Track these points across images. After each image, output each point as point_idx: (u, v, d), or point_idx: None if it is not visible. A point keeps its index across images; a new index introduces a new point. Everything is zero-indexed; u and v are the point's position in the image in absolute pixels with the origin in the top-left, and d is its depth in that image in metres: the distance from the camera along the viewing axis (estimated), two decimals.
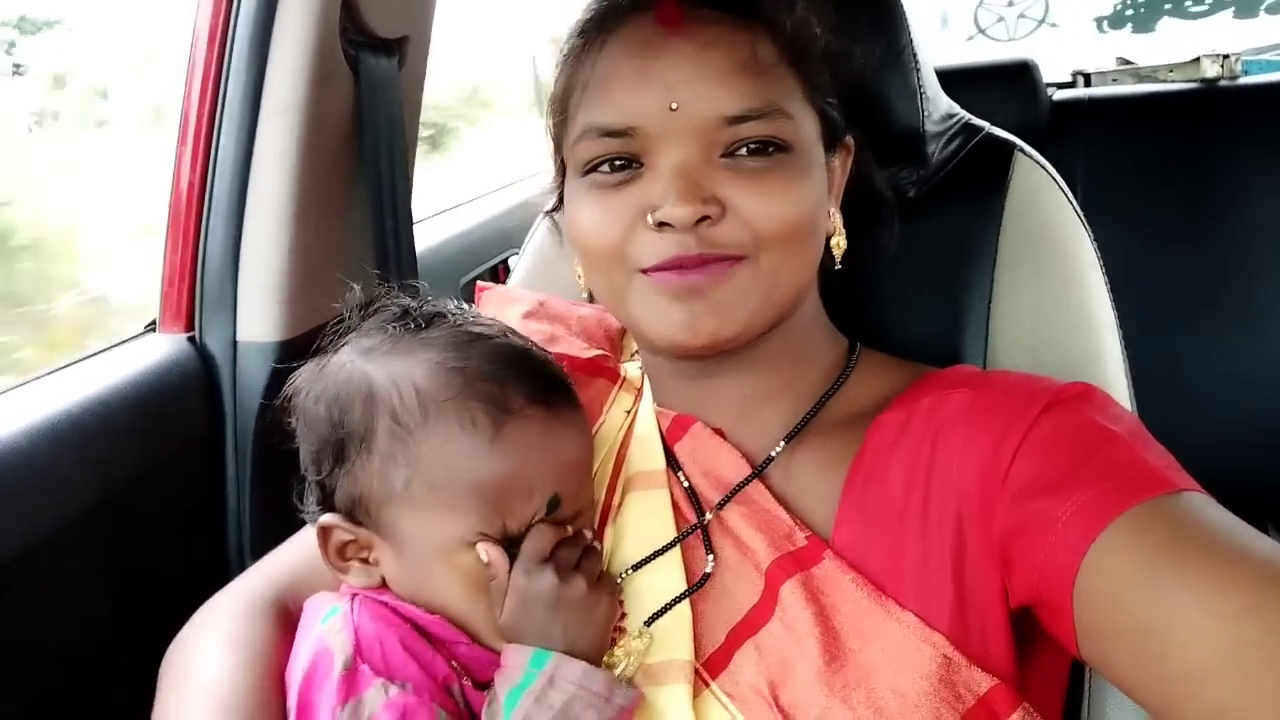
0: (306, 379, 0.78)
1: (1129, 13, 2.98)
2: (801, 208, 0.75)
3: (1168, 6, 2.93)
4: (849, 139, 0.86)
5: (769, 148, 0.74)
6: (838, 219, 0.85)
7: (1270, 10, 2.81)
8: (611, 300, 0.81)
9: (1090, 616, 0.63)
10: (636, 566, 0.78)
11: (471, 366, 0.73)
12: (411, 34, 1.25)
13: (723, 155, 0.74)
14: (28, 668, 0.95)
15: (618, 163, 0.76)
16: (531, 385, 0.74)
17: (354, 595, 0.75)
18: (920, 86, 1.04)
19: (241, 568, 1.10)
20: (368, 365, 0.75)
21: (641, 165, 0.75)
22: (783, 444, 0.80)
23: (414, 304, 0.79)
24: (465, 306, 0.82)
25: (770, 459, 0.80)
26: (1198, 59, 2.22)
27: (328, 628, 0.72)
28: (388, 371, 0.74)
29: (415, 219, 1.39)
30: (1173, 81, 2.29)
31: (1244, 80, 2.22)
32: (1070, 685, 0.84)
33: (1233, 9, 2.87)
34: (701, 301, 0.74)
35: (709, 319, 0.74)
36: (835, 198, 0.85)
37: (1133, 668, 0.61)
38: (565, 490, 0.74)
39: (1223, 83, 2.21)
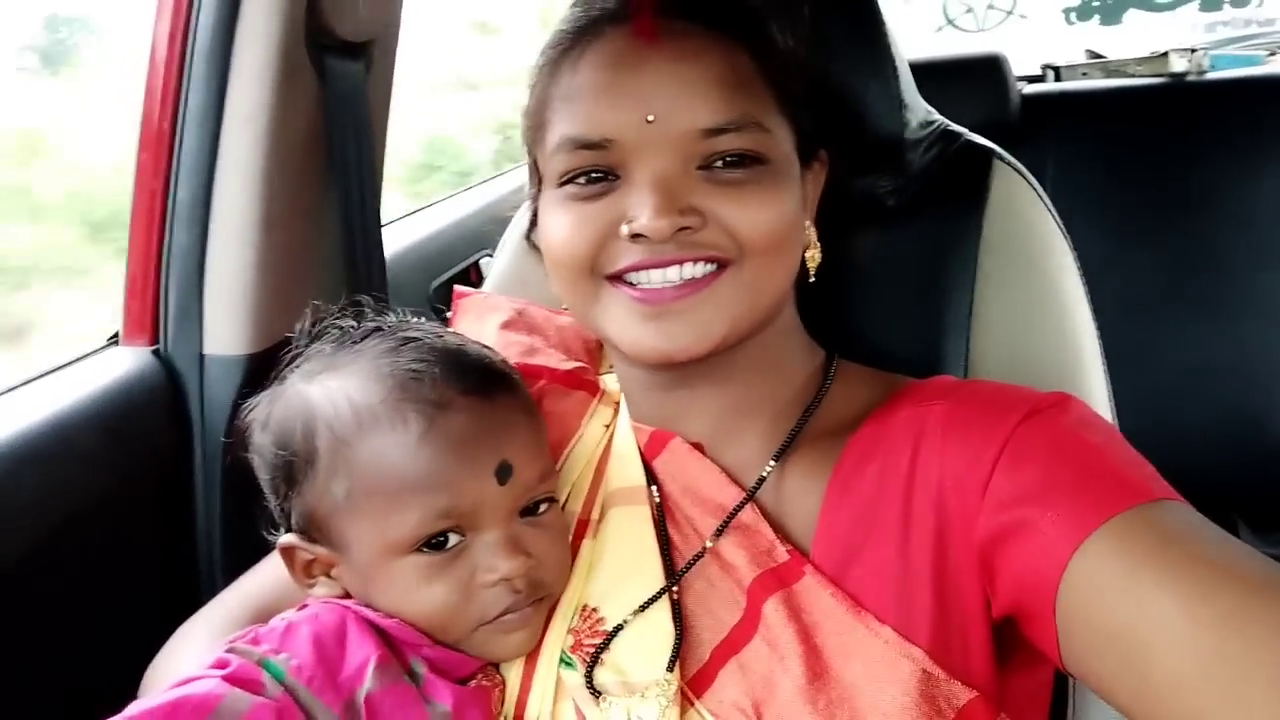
0: (258, 410, 0.79)
1: (1096, 4, 3.00)
2: (781, 218, 0.75)
3: None
4: (823, 153, 0.85)
5: (746, 160, 0.74)
6: (812, 232, 0.84)
7: (1235, 3, 2.83)
8: (579, 310, 0.80)
9: (1072, 625, 0.63)
10: (642, 608, 0.77)
11: (401, 368, 0.74)
12: (378, 37, 1.22)
13: (699, 167, 0.74)
14: None
15: (594, 175, 0.75)
16: (463, 378, 0.74)
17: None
18: (900, 94, 1.04)
19: (213, 584, 1.09)
20: (307, 387, 0.76)
21: (618, 178, 0.75)
22: (772, 464, 0.80)
23: (353, 323, 0.81)
24: (410, 318, 0.83)
25: (761, 480, 0.79)
26: (1166, 54, 2.24)
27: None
28: (323, 390, 0.75)
29: (383, 221, 1.37)
30: (1141, 76, 2.30)
31: (1211, 75, 2.24)
32: (1055, 702, 0.84)
33: (1198, 1, 2.90)
34: (674, 318, 0.74)
35: (683, 333, 0.74)
36: (809, 210, 0.85)
37: (1115, 676, 0.61)
38: (514, 457, 0.74)
39: (1190, 77, 2.23)
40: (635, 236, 0.73)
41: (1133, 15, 2.99)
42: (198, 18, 1.09)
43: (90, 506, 1.03)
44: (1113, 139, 2.19)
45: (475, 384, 0.75)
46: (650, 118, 0.72)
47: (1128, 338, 2.10)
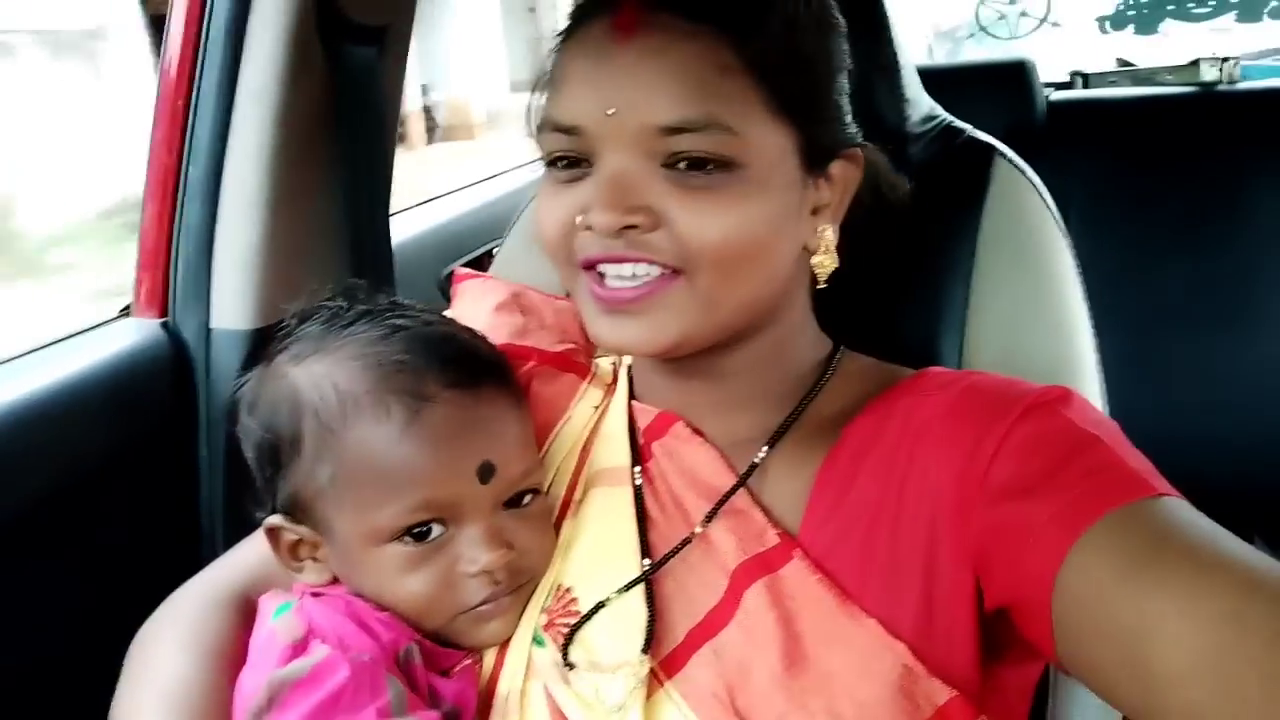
0: (246, 391, 0.80)
1: (1131, 13, 2.96)
2: (742, 229, 0.72)
3: (1170, 8, 2.91)
4: (855, 152, 0.80)
5: (708, 164, 0.71)
6: (829, 236, 0.79)
7: (1274, 14, 2.79)
8: (569, 291, 0.81)
9: (1069, 619, 0.63)
10: (624, 588, 0.76)
11: (388, 358, 0.74)
12: (393, 22, 1.24)
13: (664, 165, 0.72)
14: None
15: (571, 159, 0.75)
16: (449, 370, 0.74)
17: (306, 592, 0.76)
18: (901, 88, 1.04)
19: (213, 555, 1.10)
20: (294, 370, 0.76)
21: (591, 165, 0.74)
22: (766, 449, 0.80)
23: (344, 304, 0.80)
24: (401, 301, 0.82)
25: (754, 466, 0.79)
26: (1196, 62, 2.21)
27: (279, 622, 0.73)
28: (309, 374, 0.75)
29: (396, 208, 1.39)
30: (1171, 84, 2.28)
31: (1243, 85, 2.21)
32: (1034, 701, 0.83)
33: (1236, 12, 2.86)
34: (629, 318, 0.74)
35: (636, 333, 0.74)
36: (831, 214, 0.80)
37: (1111, 670, 0.61)
38: (497, 456, 0.74)
39: (1221, 87, 2.20)
40: (587, 228, 0.73)
41: (1169, 25, 2.96)
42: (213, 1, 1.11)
43: (96, 471, 1.06)
44: (1140, 147, 2.17)
45: (461, 376, 0.75)
46: (610, 111, 0.71)
47: (1151, 347, 2.08)
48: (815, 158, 0.77)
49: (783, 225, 0.76)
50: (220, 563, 0.89)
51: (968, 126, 1.09)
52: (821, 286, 0.82)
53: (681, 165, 0.71)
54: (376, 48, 1.21)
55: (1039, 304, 0.98)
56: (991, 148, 1.04)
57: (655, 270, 0.73)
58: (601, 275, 0.74)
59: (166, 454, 1.16)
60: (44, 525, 1.00)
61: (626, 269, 0.73)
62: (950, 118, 1.10)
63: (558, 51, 0.78)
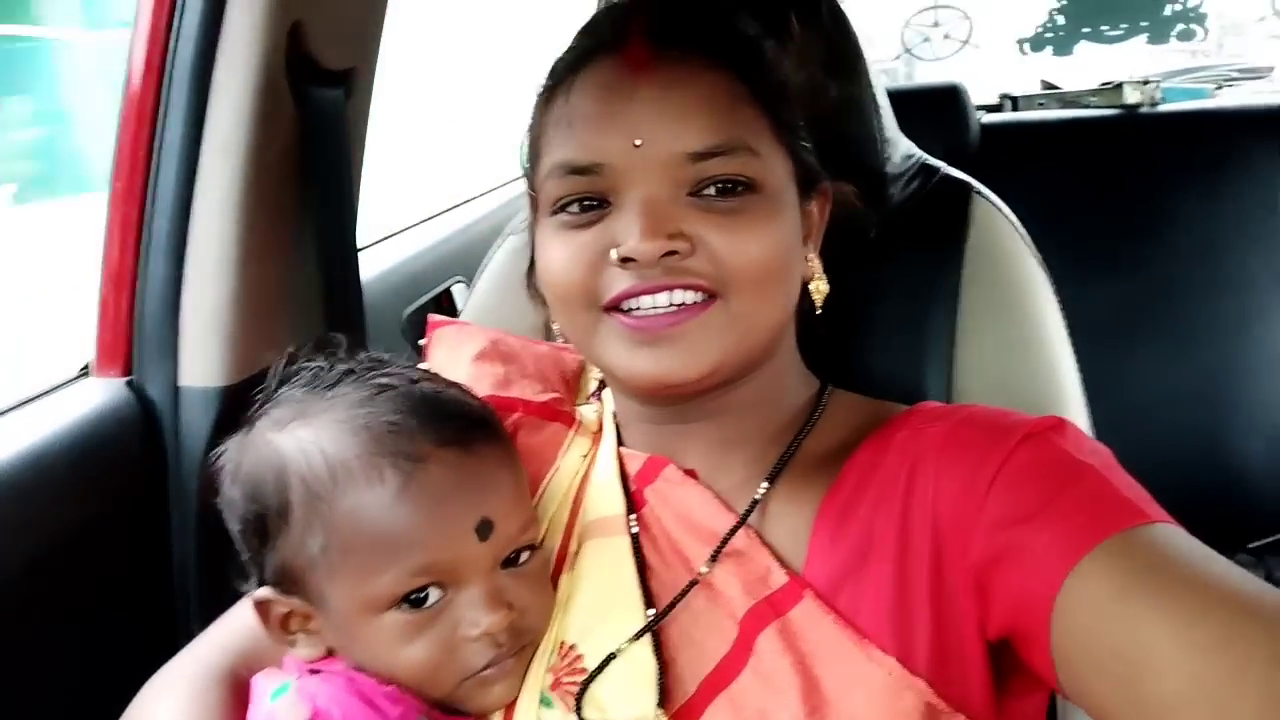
0: (227, 460, 0.76)
1: (1049, 35, 3.09)
2: (772, 248, 0.75)
3: (1085, 31, 3.04)
4: (826, 185, 0.85)
5: (737, 187, 0.74)
6: (817, 263, 0.85)
7: (1181, 37, 2.94)
8: (579, 341, 0.80)
9: (1067, 646, 0.64)
10: (632, 639, 0.75)
11: (376, 421, 0.72)
12: (359, 65, 1.21)
13: (690, 194, 0.74)
14: None
15: (586, 202, 0.76)
16: (440, 429, 0.73)
17: (304, 669, 0.73)
18: (882, 129, 1.05)
19: (188, 624, 1.05)
20: (278, 437, 0.73)
21: (609, 204, 0.75)
22: (766, 485, 0.80)
23: (324, 365, 0.78)
24: (382, 358, 0.80)
25: (755, 503, 0.79)
26: (1120, 85, 2.29)
27: (279, 705, 0.70)
28: (295, 441, 0.73)
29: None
30: (1096, 106, 2.36)
31: (1163, 107, 2.30)
32: None
33: (1146, 35, 3.00)
34: (667, 346, 0.74)
35: (674, 361, 0.74)
36: (814, 242, 0.85)
37: (1109, 697, 0.62)
38: (495, 513, 0.73)
39: (1143, 109, 2.28)
40: (624, 261, 0.73)
41: (1084, 47, 3.08)
42: (176, 43, 1.07)
43: (61, 543, 1.00)
44: (1069, 168, 2.24)
45: (453, 435, 0.73)
46: (638, 142, 0.73)
47: (1084, 365, 2.13)
48: (805, 184, 0.82)
49: (796, 246, 0.80)
50: (205, 638, 0.85)
51: (942, 164, 1.11)
52: (818, 312, 0.85)
53: (710, 191, 0.74)
54: (343, 90, 1.18)
55: (1024, 340, 1.00)
56: (969, 185, 1.06)
57: (690, 296, 0.73)
58: (626, 312, 0.74)
59: (135, 519, 1.10)
60: (8, 602, 0.94)
61: (663, 298, 0.73)
62: (925, 155, 1.12)
63: (553, 101, 0.78)
